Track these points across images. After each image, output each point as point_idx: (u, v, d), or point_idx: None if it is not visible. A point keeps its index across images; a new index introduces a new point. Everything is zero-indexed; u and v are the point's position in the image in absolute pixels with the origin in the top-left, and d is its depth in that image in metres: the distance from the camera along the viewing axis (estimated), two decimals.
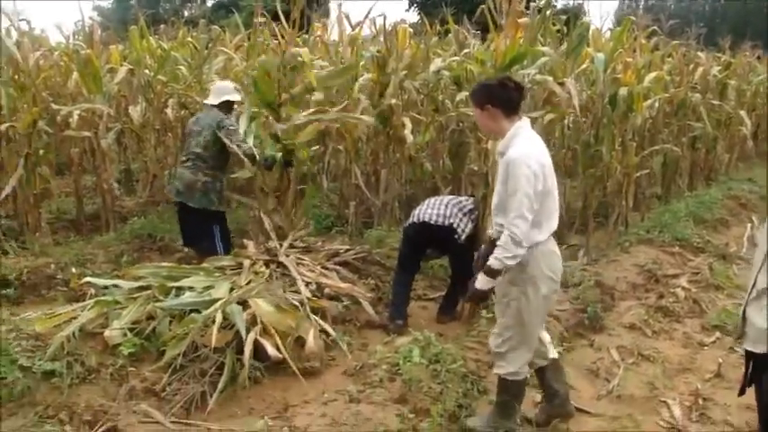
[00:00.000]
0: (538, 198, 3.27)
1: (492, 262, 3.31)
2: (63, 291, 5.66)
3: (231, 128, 5.64)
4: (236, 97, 5.97)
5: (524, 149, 3.30)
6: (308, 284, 4.78)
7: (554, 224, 3.48)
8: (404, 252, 5.40)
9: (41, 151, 7.11)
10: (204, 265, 5.00)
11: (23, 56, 6.87)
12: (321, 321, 4.62)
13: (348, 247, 5.88)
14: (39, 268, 5.88)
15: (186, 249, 6.41)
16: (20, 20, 7.94)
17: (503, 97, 3.41)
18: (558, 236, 6.60)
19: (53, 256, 6.20)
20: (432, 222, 5.09)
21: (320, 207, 8.06)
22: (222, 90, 5.93)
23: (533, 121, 5.76)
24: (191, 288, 4.40)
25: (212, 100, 5.88)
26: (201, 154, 5.72)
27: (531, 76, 5.85)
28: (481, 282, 3.40)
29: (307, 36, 9.36)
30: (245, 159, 5.62)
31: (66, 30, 8.71)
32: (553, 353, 3.79)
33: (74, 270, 5.81)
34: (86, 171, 8.99)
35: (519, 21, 5.39)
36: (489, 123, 3.49)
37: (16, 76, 6.96)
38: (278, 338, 4.15)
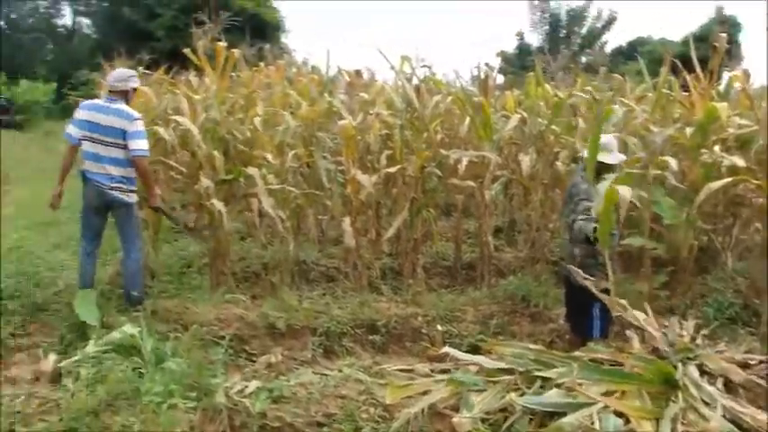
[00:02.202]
0: None
1: None
2: (426, 346, 5.48)
3: (578, 199, 4.85)
4: (600, 158, 4.61)
5: None
6: (706, 404, 3.63)
7: None
8: None
9: (428, 195, 7.06)
10: (577, 353, 4.19)
11: (420, 100, 6.90)
12: None
13: (761, 357, 4.46)
14: (407, 318, 5.81)
15: (561, 322, 5.69)
16: (421, 66, 8.14)
17: None
18: None
19: (423, 306, 6.05)
20: None
21: (723, 292, 6.48)
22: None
23: None
24: (558, 385, 3.64)
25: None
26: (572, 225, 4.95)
27: None
28: None
29: (721, 88, 7.99)
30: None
31: (463, 75, 8.76)
32: None
33: (439, 327, 5.61)
34: (470, 215, 8.86)
35: None
36: None
37: (414, 121, 7.01)
38: None
